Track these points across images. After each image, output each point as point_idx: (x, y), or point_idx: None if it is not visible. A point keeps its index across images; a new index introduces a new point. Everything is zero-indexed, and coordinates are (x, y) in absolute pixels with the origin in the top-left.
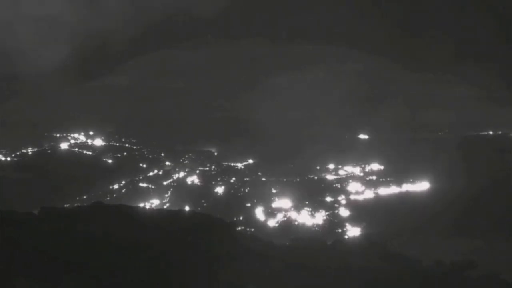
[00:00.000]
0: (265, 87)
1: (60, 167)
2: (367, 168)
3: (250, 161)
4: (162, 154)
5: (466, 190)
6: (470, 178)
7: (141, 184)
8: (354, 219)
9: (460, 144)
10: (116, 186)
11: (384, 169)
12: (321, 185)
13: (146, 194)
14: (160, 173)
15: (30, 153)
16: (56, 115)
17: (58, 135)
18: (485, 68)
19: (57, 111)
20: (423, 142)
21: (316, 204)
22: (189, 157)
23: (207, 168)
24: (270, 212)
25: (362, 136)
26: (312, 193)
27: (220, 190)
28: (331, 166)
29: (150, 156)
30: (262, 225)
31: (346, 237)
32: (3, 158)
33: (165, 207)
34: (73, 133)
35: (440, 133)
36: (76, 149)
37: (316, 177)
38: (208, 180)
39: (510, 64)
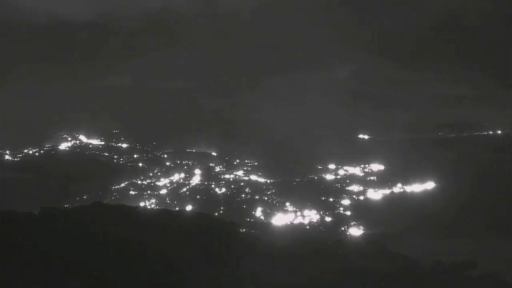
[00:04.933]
0: (265, 87)
1: (60, 167)
2: (367, 168)
3: (251, 161)
4: (162, 154)
5: (466, 190)
6: (470, 178)
7: (141, 184)
8: (354, 219)
9: (460, 144)
10: (116, 186)
11: (384, 169)
12: (322, 185)
13: (146, 194)
14: (160, 173)
15: (30, 153)
16: (56, 115)
17: (58, 135)
18: (485, 68)
19: (57, 111)
20: (423, 142)
21: (317, 205)
22: (189, 157)
23: (208, 169)
24: (271, 213)
25: (362, 136)
26: (313, 194)
27: (220, 190)
28: (331, 166)
29: (150, 156)
30: (263, 225)
31: (346, 237)
32: (3, 158)
33: (165, 207)
34: (73, 133)
35: (440, 133)
36: (76, 149)
37: (316, 178)
38: (208, 181)
39: (510, 64)
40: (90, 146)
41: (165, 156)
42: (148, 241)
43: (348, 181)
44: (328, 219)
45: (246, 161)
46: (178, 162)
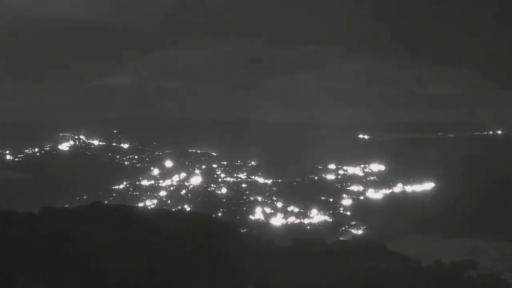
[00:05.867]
0: (265, 87)
1: (60, 167)
2: (367, 168)
3: (251, 161)
4: (163, 155)
5: (466, 190)
6: (470, 178)
7: (141, 184)
8: (354, 219)
9: (460, 144)
10: (116, 186)
11: (384, 169)
12: (322, 185)
13: (146, 194)
14: (160, 173)
15: (30, 153)
16: (56, 115)
17: (58, 135)
18: (485, 68)
19: (57, 111)
20: (423, 142)
21: (317, 205)
22: (189, 157)
23: (208, 169)
24: (271, 213)
25: (362, 136)
26: (313, 194)
27: (220, 190)
28: (331, 166)
29: (150, 156)
30: (263, 225)
31: (346, 237)
32: (3, 158)
33: (165, 207)
34: (73, 133)
35: (440, 133)
36: (76, 149)
37: (316, 178)
38: (208, 181)
39: (510, 65)
40: (90, 146)
41: (165, 156)
42: (148, 241)
43: (348, 181)
44: (328, 219)
45: (247, 161)
46: (178, 162)
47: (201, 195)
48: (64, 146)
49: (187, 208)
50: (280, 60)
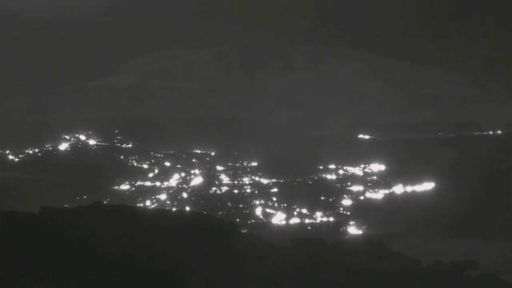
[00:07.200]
0: (265, 87)
1: (60, 167)
2: (367, 168)
3: (250, 161)
4: (163, 155)
5: (466, 190)
6: (470, 178)
7: (141, 185)
8: (354, 219)
9: (460, 144)
10: (116, 186)
11: (384, 169)
12: (322, 185)
13: (146, 195)
14: (161, 173)
15: (30, 153)
16: (56, 115)
17: (58, 135)
18: (485, 68)
19: (57, 111)
20: (423, 142)
21: (316, 205)
22: (190, 158)
23: (208, 169)
24: (271, 213)
25: (362, 136)
26: (313, 194)
27: (221, 191)
28: (331, 166)
29: (150, 157)
30: (263, 226)
31: (346, 237)
32: (3, 158)
33: (165, 207)
34: (73, 133)
35: (440, 133)
36: (76, 149)
37: (316, 178)
38: (208, 181)
39: (510, 65)
40: (90, 146)
41: (166, 156)
42: (148, 241)
43: (348, 181)
44: (328, 219)
45: (247, 161)
46: (179, 162)
47: (201, 195)
48: (64, 146)
49: (187, 208)
50: (280, 60)
